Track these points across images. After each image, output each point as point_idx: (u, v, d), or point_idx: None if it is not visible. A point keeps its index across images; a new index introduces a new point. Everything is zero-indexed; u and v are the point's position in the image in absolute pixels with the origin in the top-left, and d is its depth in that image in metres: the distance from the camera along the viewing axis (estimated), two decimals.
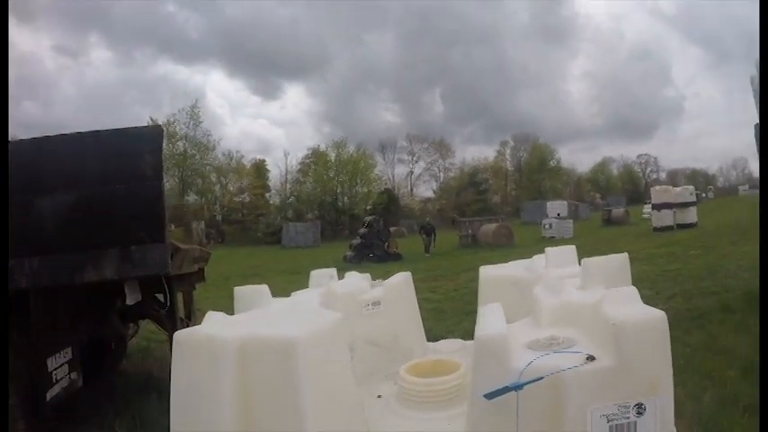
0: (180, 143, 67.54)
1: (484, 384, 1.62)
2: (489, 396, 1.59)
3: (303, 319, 2.31)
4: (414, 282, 3.97)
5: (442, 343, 3.90)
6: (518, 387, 1.56)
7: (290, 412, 2.00)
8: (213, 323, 2.33)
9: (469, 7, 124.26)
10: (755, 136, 7.86)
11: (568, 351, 1.66)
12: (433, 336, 4.98)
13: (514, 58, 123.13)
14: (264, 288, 2.97)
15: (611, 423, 1.58)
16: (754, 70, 7.26)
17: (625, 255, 2.44)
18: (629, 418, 1.59)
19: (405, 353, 3.47)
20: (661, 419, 1.60)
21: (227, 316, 2.47)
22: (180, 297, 5.61)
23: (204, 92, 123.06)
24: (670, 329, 5.06)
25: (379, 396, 2.92)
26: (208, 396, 2.06)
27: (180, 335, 2.20)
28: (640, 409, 1.59)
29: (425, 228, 28.76)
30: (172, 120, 67.04)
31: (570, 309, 2.06)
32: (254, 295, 2.92)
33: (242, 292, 2.97)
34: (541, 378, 1.56)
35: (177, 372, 2.15)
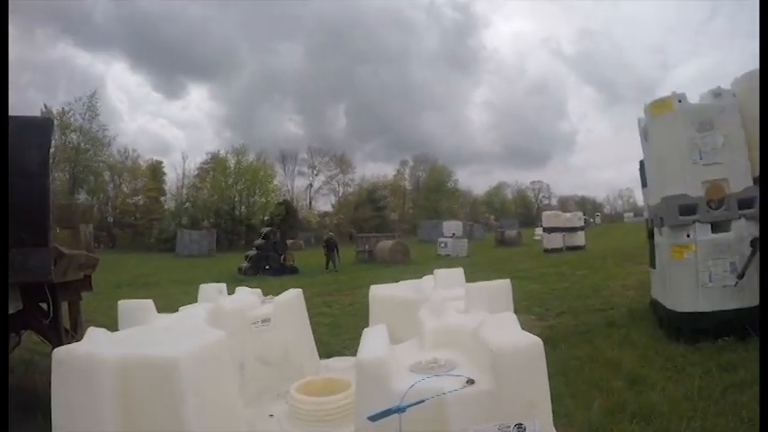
0: (73, 135, 63.69)
1: (367, 406, 1.65)
2: (373, 418, 1.62)
3: (186, 337, 2.27)
4: (310, 296, 3.97)
5: (334, 360, 3.92)
6: (401, 410, 1.59)
7: (174, 429, 1.97)
8: (93, 340, 2.25)
9: (381, 27, 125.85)
10: (639, 170, 8.52)
11: (449, 374, 1.72)
12: (329, 351, 4.99)
13: (420, 80, 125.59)
14: (149, 303, 2.89)
15: None
16: (641, 113, 7.84)
17: (507, 281, 2.54)
18: None
19: (296, 370, 3.46)
20: None
21: (109, 333, 2.39)
22: (65, 306, 5.34)
23: (104, 82, 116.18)
24: (559, 344, 5.36)
25: (271, 415, 2.90)
26: (89, 416, 2.00)
27: (58, 353, 2.11)
28: (520, 428, 1.65)
29: (329, 243, 27.56)
30: (67, 109, 63.23)
31: (452, 332, 2.12)
32: (138, 310, 2.85)
33: (126, 306, 2.88)
34: (423, 401, 1.60)
35: (57, 391, 2.07)
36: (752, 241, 6.39)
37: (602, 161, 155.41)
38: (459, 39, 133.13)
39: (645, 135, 7.79)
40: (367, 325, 3.03)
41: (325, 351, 4.21)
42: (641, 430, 4.39)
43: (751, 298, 6.18)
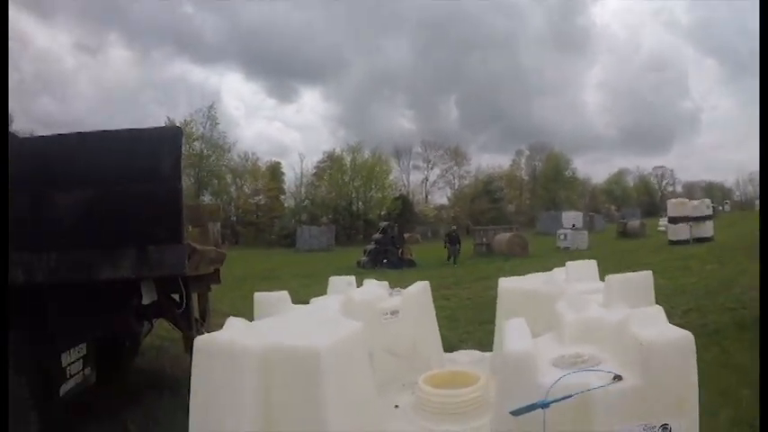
0: (196, 144, 67.53)
1: (510, 400, 1.62)
2: (516, 413, 1.58)
3: (324, 328, 2.31)
4: None
5: (460, 353, 3.89)
6: (545, 405, 1.55)
7: (311, 421, 2.00)
8: (234, 329, 2.33)
9: (484, 13, 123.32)
10: None
11: (595, 369, 1.65)
12: (447, 343, 4.96)
13: (530, 65, 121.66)
14: (285, 294, 2.97)
15: None
16: None
17: (649, 273, 2.42)
18: None
19: (422, 362, 3.45)
20: None
21: (248, 322, 2.47)
22: (195, 297, 5.61)
23: (220, 93, 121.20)
24: None
25: (397, 406, 2.90)
26: (228, 402, 2.07)
27: (201, 340, 2.20)
28: (666, 429, 1.57)
29: (451, 236, 26.59)
30: (189, 120, 66.79)
31: (594, 326, 2.04)
32: (274, 301, 2.93)
33: (262, 297, 2.97)
34: (569, 396, 1.55)
35: (198, 376, 2.16)
36: None
37: (730, 141, 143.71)
38: (567, 18, 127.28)
39: None
40: (484, 319, 2.98)
41: (444, 344, 4.19)
42: None
43: None
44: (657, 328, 1.70)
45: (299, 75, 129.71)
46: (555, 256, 21.86)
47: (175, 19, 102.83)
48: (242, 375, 2.07)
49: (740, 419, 4.51)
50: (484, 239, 30.84)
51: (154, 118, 66.50)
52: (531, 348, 1.69)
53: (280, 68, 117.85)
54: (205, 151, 68.54)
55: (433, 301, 4.01)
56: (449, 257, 25.48)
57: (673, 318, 7.59)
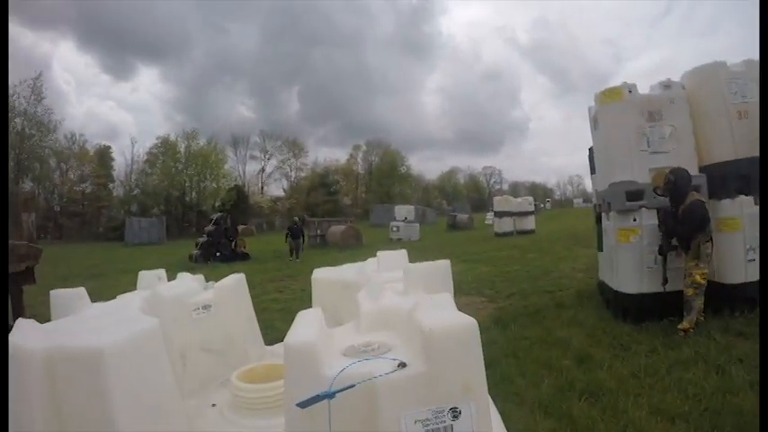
0: (18, 120, 61.34)
1: (297, 392, 1.60)
2: (302, 405, 1.57)
3: (116, 326, 2.19)
4: (262, 282, 3.92)
5: (280, 346, 3.84)
6: (330, 395, 1.55)
7: (102, 424, 1.90)
8: (21, 332, 2.16)
9: (336, 10, 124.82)
10: (588, 157, 8.83)
11: (381, 358, 1.68)
12: (281, 337, 4.92)
13: (374, 65, 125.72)
14: (82, 291, 2.79)
15: (426, 428, 1.60)
16: (592, 102, 8.06)
17: (447, 261, 2.52)
18: (444, 422, 1.61)
19: (241, 358, 3.39)
20: (477, 421, 1.64)
21: (37, 323, 2.30)
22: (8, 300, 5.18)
23: (50, 63, 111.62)
24: (509, 325, 5.51)
25: (214, 405, 2.83)
26: (19, 407, 1.93)
27: None
28: (455, 412, 1.62)
29: (293, 229, 24.80)
30: (11, 93, 60.84)
31: (388, 314, 2.08)
32: (71, 299, 2.74)
33: (58, 295, 2.77)
34: (353, 386, 1.56)
35: None
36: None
37: (553, 148, 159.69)
38: (415, 24, 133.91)
39: (595, 123, 8.11)
40: None
41: (278, 337, 4.13)
42: (590, 407, 4.53)
43: None
44: (441, 315, 1.76)
45: (137, 50, 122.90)
46: (388, 247, 22.47)
47: None
48: (28, 380, 1.92)
49: (562, 386, 5.01)
50: (318, 231, 31.25)
51: None
52: (313, 338, 1.69)
53: (118, 41, 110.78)
54: (27, 130, 62.41)
55: (268, 293, 3.96)
56: (291, 252, 24.14)
57: (497, 301, 8.30)
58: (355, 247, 26.55)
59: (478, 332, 1.68)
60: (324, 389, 1.56)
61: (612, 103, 7.43)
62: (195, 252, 24.62)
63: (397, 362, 1.62)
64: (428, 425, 1.61)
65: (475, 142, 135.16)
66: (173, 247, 38.88)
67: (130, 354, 2.02)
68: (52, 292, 2.82)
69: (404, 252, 3.34)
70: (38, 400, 1.91)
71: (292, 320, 6.27)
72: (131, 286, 3.49)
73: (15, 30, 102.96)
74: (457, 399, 1.63)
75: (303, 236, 25.65)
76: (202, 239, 25.37)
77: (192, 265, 21.28)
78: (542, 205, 72.63)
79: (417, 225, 34.97)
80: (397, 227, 33.60)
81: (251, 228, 51.37)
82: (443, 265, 2.47)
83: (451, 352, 1.63)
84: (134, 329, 2.15)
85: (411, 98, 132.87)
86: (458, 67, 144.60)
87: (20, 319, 2.31)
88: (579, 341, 6.37)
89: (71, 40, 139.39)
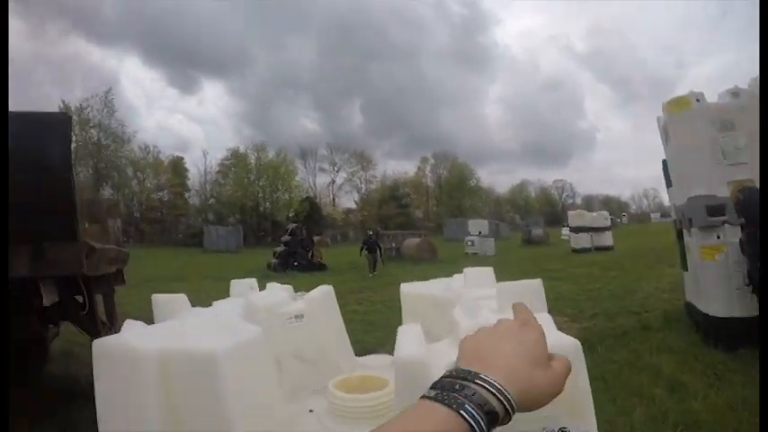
0: (93, 131, 64.83)
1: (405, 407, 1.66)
2: None
3: (223, 332, 2.30)
4: (340, 293, 3.97)
5: (371, 358, 3.90)
6: None
7: (217, 424, 2.00)
8: (132, 333, 2.29)
9: (390, 24, 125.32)
10: (663, 170, 8.40)
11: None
12: (363, 348, 5.00)
13: (432, 77, 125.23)
14: (183, 297, 2.93)
15: None
16: (658, 111, 7.74)
17: (539, 281, 2.52)
18: None
19: (332, 367, 3.44)
20: None
21: (146, 325, 2.44)
22: (100, 299, 5.45)
23: (119, 78, 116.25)
24: (595, 347, 5.33)
25: (311, 411, 2.92)
26: (132, 406, 2.04)
27: (98, 345, 2.15)
28: None
29: (369, 243, 23.40)
30: (84, 105, 64.28)
31: None
32: (173, 304, 2.89)
33: (160, 300, 2.93)
34: None
35: (100, 381, 2.11)
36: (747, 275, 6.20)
37: (624, 159, 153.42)
38: (469, 35, 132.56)
39: (665, 135, 7.70)
40: (399, 322, 3.05)
41: (360, 348, 4.23)
42: None
43: None
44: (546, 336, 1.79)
45: (201, 65, 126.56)
46: (464, 262, 22.31)
47: None
48: (141, 379, 2.03)
49: (654, 416, 4.76)
50: (393, 244, 31.19)
51: (48, 99, 62.50)
52: (422, 354, 1.74)
53: (182, 56, 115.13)
54: (103, 140, 65.35)
55: (347, 305, 4.03)
56: (371, 268, 22.55)
57: (581, 321, 8.06)
58: (430, 261, 26.49)
59: (582, 354, 1.70)
60: None
61: (681, 113, 7.07)
62: (273, 261, 25.06)
63: None
64: None
65: (541, 154, 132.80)
66: (250, 254, 39.60)
67: (240, 358, 2.13)
68: (154, 296, 2.98)
69: (490, 270, 3.35)
70: (151, 398, 2.02)
71: (373, 332, 6.35)
72: (212, 291, 3.59)
73: (82, 46, 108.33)
74: (565, 419, 1.65)
75: (380, 249, 24.16)
76: (280, 249, 25.79)
77: (270, 273, 21.70)
78: (618, 220, 70.24)
79: (492, 240, 34.50)
80: (472, 241, 33.24)
81: (326, 239, 51.81)
82: (536, 284, 2.47)
83: None
84: (242, 336, 2.26)
85: (473, 109, 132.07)
86: (516, 77, 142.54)
87: (128, 320, 2.46)
88: (670, 367, 6.03)
89: (136, 56, 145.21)
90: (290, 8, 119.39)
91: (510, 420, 0.70)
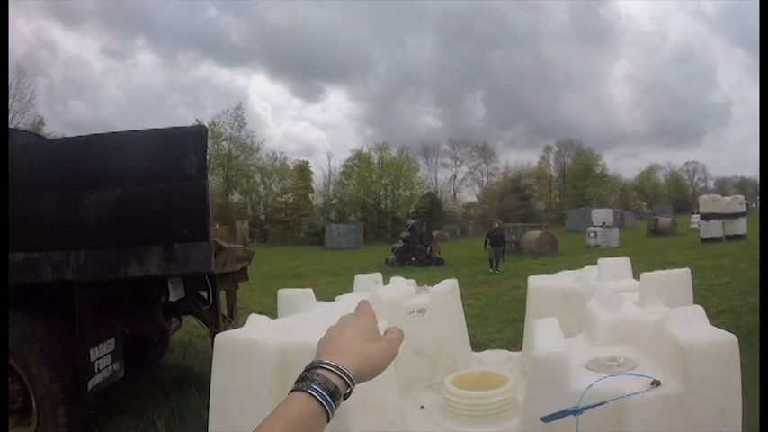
0: (224, 144, 68.57)
1: (540, 405, 1.52)
2: (547, 419, 1.49)
3: None
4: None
5: (488, 353, 3.80)
6: (578, 411, 1.45)
7: (332, 420, 1.94)
8: (255, 327, 2.29)
9: (506, 9, 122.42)
10: None
11: (632, 374, 1.55)
12: (475, 342, 4.91)
13: (555, 60, 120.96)
14: (309, 292, 2.92)
15: None
16: None
17: (687, 270, 2.30)
18: None
19: (449, 362, 3.39)
20: None
21: (270, 320, 2.43)
22: (223, 295, 5.64)
23: (247, 94, 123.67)
24: None
25: (422, 407, 2.84)
26: (247, 400, 2.03)
27: (221, 337, 2.17)
28: None
29: (493, 237, 21.43)
30: (216, 121, 67.98)
31: (629, 326, 1.94)
32: (298, 298, 2.88)
33: (286, 294, 2.92)
34: (604, 402, 1.45)
35: (217, 373, 2.12)
36: None
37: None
38: (590, 10, 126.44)
39: None
40: (514, 318, 2.90)
41: (473, 343, 4.15)
42: None
43: None
44: (699, 330, 1.59)
45: (323, 74, 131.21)
46: (585, 254, 21.59)
47: (200, 22, 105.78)
48: (261, 373, 2.02)
49: None
50: (513, 237, 30.56)
51: (182, 120, 67.82)
52: (563, 350, 1.59)
53: (304, 68, 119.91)
54: (233, 151, 69.69)
55: (463, 299, 3.95)
56: (491, 264, 20.79)
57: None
58: (550, 254, 25.84)
59: (738, 350, 1.50)
60: (570, 404, 1.46)
61: None
62: (392, 257, 25.28)
63: (651, 379, 1.48)
64: None
65: (672, 134, 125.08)
66: (370, 251, 40.18)
67: None
68: (280, 291, 2.98)
69: (627, 260, 3.14)
70: (268, 391, 1.99)
71: (486, 327, 6.20)
72: (331, 286, 3.59)
73: (212, 69, 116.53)
74: (711, 424, 1.49)
75: (504, 243, 22.26)
76: (399, 245, 25.96)
77: (388, 269, 21.87)
78: (754, 205, 65.55)
79: (616, 230, 33.14)
80: (595, 232, 32.04)
81: (445, 234, 51.72)
82: (684, 274, 2.26)
83: (712, 371, 1.48)
84: None
85: (598, 91, 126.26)
86: (644, 51, 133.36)
87: (253, 314, 2.46)
88: None
89: (263, 72, 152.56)
90: (406, 7, 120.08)
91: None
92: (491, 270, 19.98)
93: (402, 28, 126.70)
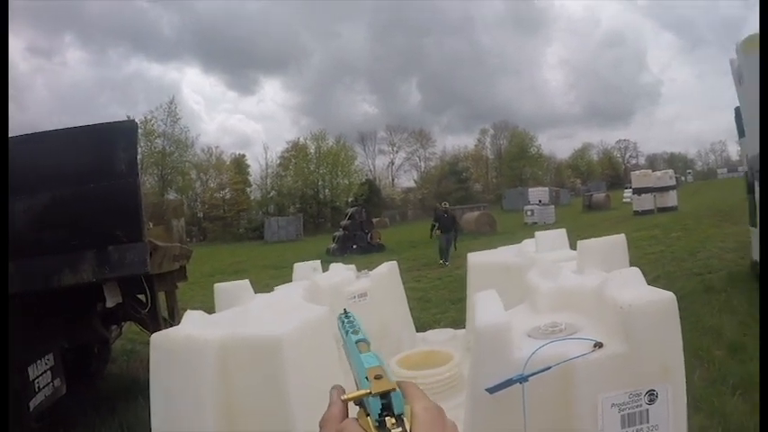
0: (158, 141, 66.64)
1: (486, 377, 1.51)
2: (492, 390, 1.47)
3: (286, 315, 2.20)
4: (399, 272, 3.89)
5: (432, 333, 3.81)
6: (523, 379, 1.44)
7: (276, 411, 1.91)
8: (192, 323, 2.21)
9: None
10: (735, 118, 7.89)
11: (574, 338, 1.56)
12: (420, 324, 4.93)
13: (489, 46, 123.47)
14: (246, 283, 2.84)
15: (622, 413, 1.49)
16: (732, 54, 7.27)
17: (622, 236, 2.35)
18: (640, 406, 1.49)
19: (394, 344, 3.39)
20: (674, 406, 1.51)
21: (207, 315, 2.36)
22: (162, 297, 5.50)
23: (180, 88, 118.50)
24: None
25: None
26: (188, 398, 1.97)
27: (157, 337, 2.09)
28: (652, 396, 1.50)
29: (444, 221, 17.75)
30: (149, 118, 65.90)
31: (569, 293, 1.95)
32: (235, 291, 2.80)
33: (223, 288, 2.84)
34: (548, 368, 1.45)
35: (156, 375, 2.05)
36: None
37: (690, 113, 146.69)
38: None
39: (739, 78, 7.18)
40: (456, 298, 2.91)
41: (417, 325, 4.17)
42: (743, 403, 4.12)
43: None
44: (637, 291, 1.61)
45: (258, 65, 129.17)
46: (523, 232, 21.97)
47: (130, 16, 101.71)
48: (201, 370, 1.96)
49: (714, 379, 4.61)
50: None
51: (114, 118, 65.39)
52: (504, 320, 1.59)
53: (238, 60, 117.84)
54: (167, 148, 67.70)
55: (405, 283, 3.95)
56: (441, 254, 17.21)
57: None
58: (490, 234, 26.20)
59: (677, 308, 1.52)
60: (515, 373, 1.45)
61: (758, 51, 6.48)
62: (332, 246, 25.26)
63: (593, 342, 1.48)
64: (624, 409, 1.50)
65: (605, 114, 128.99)
66: (310, 242, 40.07)
67: (304, 341, 2.03)
68: (216, 285, 2.89)
69: (563, 231, 3.20)
70: (210, 388, 1.94)
71: (430, 309, 6.28)
72: (272, 280, 3.53)
73: (143, 64, 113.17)
74: (654, 381, 1.51)
75: (457, 227, 18.81)
76: (339, 233, 25.97)
77: (329, 258, 21.81)
78: (683, 178, 68.18)
79: (552, 208, 33.95)
80: (532, 210, 32.77)
81: (385, 220, 51.96)
82: (619, 240, 2.30)
83: (652, 330, 1.50)
84: (306, 318, 2.16)
85: (532, 75, 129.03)
86: (576, 37, 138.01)
87: (188, 311, 2.38)
88: (732, 329, 5.87)
89: (195, 66, 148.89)
90: None
91: None
92: (441, 261, 16.74)
93: (335, 17, 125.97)
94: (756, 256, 7.48)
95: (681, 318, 4.79)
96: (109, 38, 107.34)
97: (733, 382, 4.48)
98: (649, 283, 5.91)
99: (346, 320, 0.80)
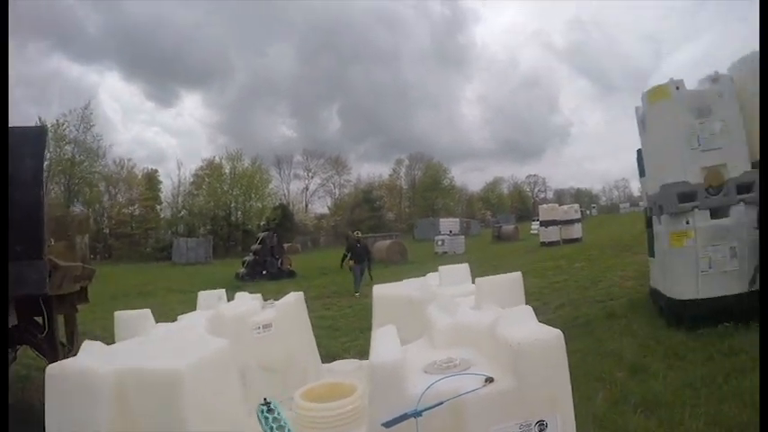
0: (68, 147, 63.23)
1: (382, 412, 1.56)
2: (388, 424, 1.52)
3: (187, 348, 2.18)
4: (308, 300, 3.89)
5: (338, 363, 3.83)
6: (417, 414, 1.50)
7: None
8: (89, 354, 2.15)
9: (370, 26, 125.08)
10: (637, 160, 8.53)
11: (466, 373, 1.63)
12: (329, 353, 4.94)
13: (412, 79, 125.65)
14: (147, 312, 2.78)
15: None
16: (636, 102, 7.82)
17: (518, 274, 2.47)
18: None
19: (299, 376, 3.37)
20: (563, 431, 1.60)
21: (105, 346, 2.29)
22: (61, 320, 5.26)
23: (97, 93, 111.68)
24: None
25: None
26: (85, 429, 1.90)
27: (52, 369, 2.02)
28: (542, 425, 1.59)
29: (357, 251, 17.11)
30: (61, 121, 62.44)
31: (465, 329, 2.04)
32: (136, 320, 2.73)
33: (123, 317, 2.76)
34: (441, 403, 1.52)
35: (51, 408, 1.98)
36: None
37: (596, 153, 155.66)
38: (449, 35, 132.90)
39: (643, 124, 7.78)
40: (366, 327, 2.96)
41: (325, 354, 4.18)
42: (646, 420, 4.38)
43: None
44: (527, 328, 1.72)
45: (180, 78, 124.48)
46: (433, 262, 22.33)
47: (55, 11, 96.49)
48: (97, 405, 1.91)
49: (616, 399, 4.86)
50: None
51: (25, 117, 61.56)
52: (398, 357, 1.65)
53: (161, 70, 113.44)
54: (77, 156, 64.29)
55: (314, 311, 3.95)
56: (356, 284, 16.59)
57: (546, 313, 8.05)
58: (401, 263, 26.47)
59: (564, 344, 1.65)
60: (410, 407, 1.51)
61: (660, 101, 7.11)
62: (242, 270, 24.90)
63: (484, 377, 1.56)
64: None
65: (517, 151, 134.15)
66: (219, 265, 39.32)
67: (205, 375, 2.01)
68: (117, 314, 2.81)
69: (466, 266, 3.29)
70: (106, 424, 1.90)
71: (339, 337, 6.33)
72: (179, 305, 3.48)
73: (64, 64, 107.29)
74: (544, 411, 1.60)
75: (370, 258, 17.90)
76: (249, 258, 25.65)
77: (238, 283, 21.47)
78: (588, 212, 71.28)
79: (462, 238, 34.78)
80: (442, 240, 33.43)
81: (296, 245, 51.62)
82: (515, 277, 2.42)
83: (541, 365, 1.59)
84: (207, 351, 2.14)
85: (451, 110, 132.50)
86: (495, 76, 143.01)
87: (86, 341, 2.31)
88: (632, 352, 6.21)
89: (116, 71, 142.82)
90: (270, 15, 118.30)
91: None
92: (355, 293, 15.98)
93: (266, 35, 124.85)
94: (655, 284, 8.13)
95: (584, 343, 5.07)
96: (31, 31, 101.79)
97: (634, 401, 4.73)
98: (554, 310, 6.28)
99: (270, 417, 0.78)
